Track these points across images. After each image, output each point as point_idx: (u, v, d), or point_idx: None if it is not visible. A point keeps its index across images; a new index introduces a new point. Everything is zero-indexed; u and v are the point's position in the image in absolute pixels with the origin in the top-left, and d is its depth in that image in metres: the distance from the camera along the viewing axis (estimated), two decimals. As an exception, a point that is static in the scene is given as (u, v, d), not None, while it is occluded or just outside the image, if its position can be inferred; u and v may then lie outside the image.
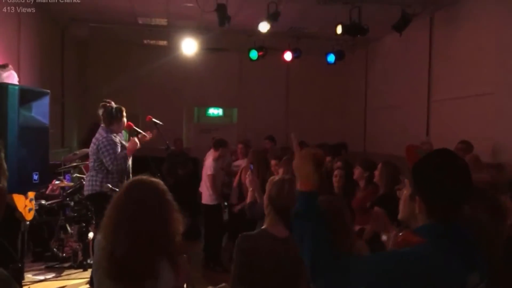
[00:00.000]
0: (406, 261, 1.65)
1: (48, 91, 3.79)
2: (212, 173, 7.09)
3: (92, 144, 5.60)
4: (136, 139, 5.70)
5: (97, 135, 5.60)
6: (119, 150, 5.52)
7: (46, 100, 3.79)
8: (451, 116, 7.98)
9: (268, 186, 2.99)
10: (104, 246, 1.98)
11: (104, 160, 5.41)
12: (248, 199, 4.44)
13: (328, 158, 6.77)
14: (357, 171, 5.03)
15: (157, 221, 2.00)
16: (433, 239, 1.69)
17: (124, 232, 1.94)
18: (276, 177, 3.10)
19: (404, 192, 2.13)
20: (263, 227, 2.89)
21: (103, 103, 6.39)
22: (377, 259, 1.78)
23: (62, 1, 7.80)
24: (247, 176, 4.60)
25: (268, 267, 2.72)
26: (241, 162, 7.56)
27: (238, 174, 7.20)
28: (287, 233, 2.80)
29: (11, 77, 4.21)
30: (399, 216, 2.05)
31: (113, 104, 6.28)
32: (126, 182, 2.16)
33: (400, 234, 1.98)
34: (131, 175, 5.93)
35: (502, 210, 2.37)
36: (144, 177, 2.15)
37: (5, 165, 1.67)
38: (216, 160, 7.18)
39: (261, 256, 2.74)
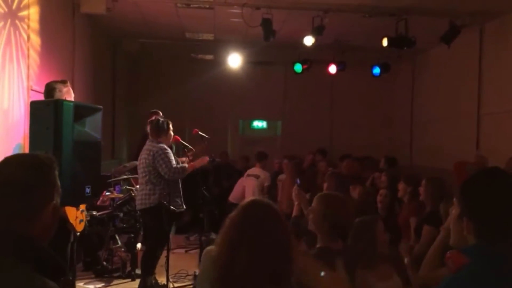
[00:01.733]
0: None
1: (101, 107, 3.95)
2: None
3: (144, 155, 5.73)
4: (207, 158, 5.89)
5: (148, 147, 5.75)
6: (173, 159, 5.68)
7: (99, 116, 3.94)
8: (502, 129, 7.74)
9: (322, 202, 2.98)
10: (222, 264, 1.98)
11: (160, 169, 5.55)
12: (294, 213, 4.47)
13: (377, 174, 6.70)
14: (401, 187, 4.96)
15: (277, 237, 2.00)
16: (480, 259, 1.67)
17: (245, 250, 1.94)
18: (328, 193, 3.12)
19: (453, 212, 2.11)
20: (318, 245, 2.89)
21: (151, 113, 6.61)
22: None
23: (115, 18, 8.15)
24: (293, 190, 4.64)
25: None
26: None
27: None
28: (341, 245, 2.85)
29: (70, 93, 4.41)
30: (451, 242, 2.02)
31: (161, 115, 6.49)
32: (244, 203, 2.15)
33: (448, 253, 1.96)
34: (180, 186, 6.10)
35: None
36: (258, 199, 2.21)
37: (58, 182, 1.77)
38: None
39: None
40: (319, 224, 2.89)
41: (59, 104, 3.55)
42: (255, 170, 7.59)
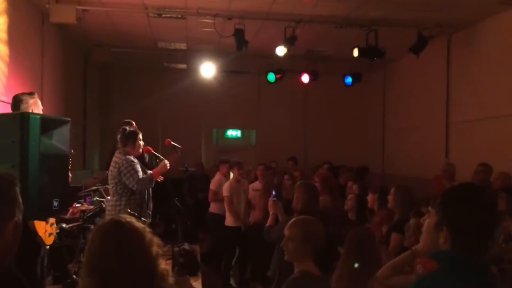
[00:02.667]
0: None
1: (69, 119, 3.89)
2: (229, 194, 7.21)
3: (111, 168, 5.67)
4: (166, 162, 5.79)
5: (115, 158, 5.68)
6: (140, 170, 5.60)
7: (67, 128, 3.88)
8: (470, 138, 7.92)
9: (300, 227, 2.98)
10: None
11: (127, 182, 5.46)
12: (269, 223, 4.53)
13: (350, 183, 6.79)
14: (370, 198, 5.03)
15: (140, 266, 1.80)
16: (451, 264, 1.73)
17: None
18: (303, 218, 3.13)
19: (427, 221, 2.15)
20: (301, 268, 2.90)
21: (124, 123, 6.54)
22: None
23: (85, 27, 8.07)
24: (269, 200, 4.71)
25: None
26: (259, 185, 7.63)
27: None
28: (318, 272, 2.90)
29: (37, 105, 4.32)
30: (420, 247, 2.07)
31: (134, 125, 6.43)
32: (99, 225, 1.92)
33: (418, 259, 2.01)
34: (151, 197, 6.04)
35: None
36: (122, 218, 1.90)
37: (20, 199, 1.75)
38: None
39: None
40: (300, 250, 2.90)
41: (25, 117, 3.48)
42: (255, 185, 7.65)
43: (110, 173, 5.69)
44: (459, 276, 1.71)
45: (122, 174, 5.48)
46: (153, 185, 5.71)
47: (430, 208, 2.12)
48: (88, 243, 1.84)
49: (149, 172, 5.73)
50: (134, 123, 6.64)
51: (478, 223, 1.76)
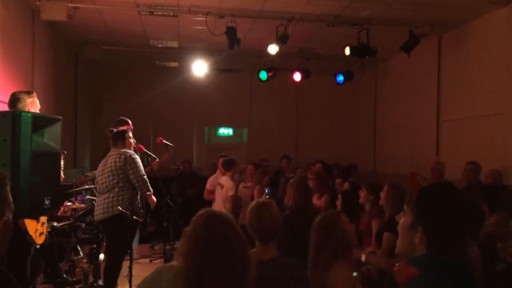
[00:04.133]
0: None
1: (60, 117, 3.88)
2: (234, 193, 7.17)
3: (111, 163, 5.62)
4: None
5: (114, 153, 5.66)
6: (142, 168, 5.66)
7: (58, 126, 3.87)
8: (460, 136, 7.98)
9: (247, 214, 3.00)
10: (190, 277, 1.97)
11: (132, 176, 5.49)
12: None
13: (338, 180, 6.83)
14: (363, 194, 5.05)
15: (239, 250, 2.03)
16: (429, 270, 1.72)
17: (211, 262, 1.96)
18: (253, 203, 3.12)
19: (402, 220, 2.15)
20: (271, 256, 2.88)
21: (118, 121, 6.51)
22: None
23: (76, 25, 8.03)
24: (262, 197, 4.72)
25: None
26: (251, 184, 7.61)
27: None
28: (273, 254, 2.86)
29: (34, 104, 4.30)
30: (397, 250, 2.07)
31: (128, 124, 6.42)
32: (198, 215, 2.13)
33: (397, 265, 2.00)
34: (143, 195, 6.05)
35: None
36: (214, 210, 2.20)
37: (10, 198, 1.74)
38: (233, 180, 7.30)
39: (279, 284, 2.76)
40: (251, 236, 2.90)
41: (17, 115, 3.47)
42: (222, 179, 7.59)
43: (109, 166, 5.63)
44: (439, 282, 1.71)
45: (129, 167, 5.50)
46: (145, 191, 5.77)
47: (405, 207, 2.13)
48: (191, 237, 2.03)
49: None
50: (129, 120, 6.62)
51: (454, 223, 1.75)
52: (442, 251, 1.75)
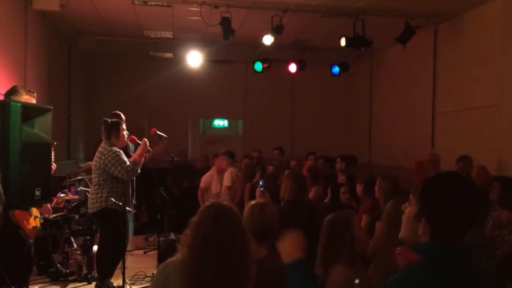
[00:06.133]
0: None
1: (51, 107, 3.81)
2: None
3: (96, 158, 5.63)
4: (146, 140, 5.76)
5: (100, 149, 5.64)
6: (126, 159, 5.57)
7: (49, 116, 3.80)
8: (456, 128, 7.97)
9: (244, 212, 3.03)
10: (191, 276, 2.01)
11: (116, 172, 5.44)
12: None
13: (341, 164, 6.81)
14: (359, 188, 5.05)
15: (242, 249, 2.07)
16: (433, 259, 1.71)
17: (213, 256, 2.00)
18: (252, 203, 3.16)
19: (408, 210, 2.13)
20: None
21: (112, 115, 6.46)
22: None
23: (69, 15, 7.94)
24: (256, 190, 4.69)
25: None
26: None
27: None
28: (264, 253, 2.91)
29: (29, 102, 4.25)
30: (400, 235, 2.06)
31: (122, 117, 6.38)
32: (206, 207, 2.16)
33: (398, 249, 1.99)
34: (135, 187, 6.00)
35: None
36: (223, 203, 2.21)
37: (1, 189, 1.70)
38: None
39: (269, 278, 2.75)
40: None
41: (6, 105, 3.40)
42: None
43: (94, 163, 5.65)
44: (439, 270, 1.69)
45: (109, 165, 5.45)
46: (140, 168, 5.66)
47: (411, 196, 2.10)
48: (197, 228, 2.08)
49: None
50: (122, 115, 6.57)
51: (458, 215, 1.73)
52: (445, 242, 1.74)
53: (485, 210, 5.00)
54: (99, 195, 5.53)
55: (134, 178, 5.80)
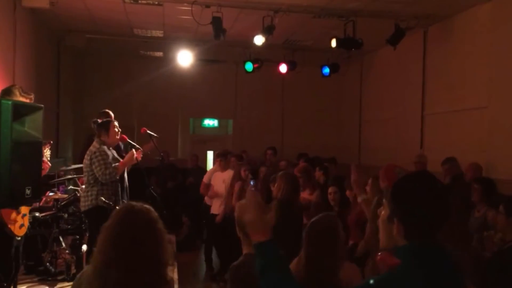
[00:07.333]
0: None
1: (42, 105, 3.79)
2: None
3: (86, 157, 5.61)
4: (134, 152, 5.71)
5: (91, 147, 5.63)
6: (110, 162, 5.53)
7: (39, 114, 3.78)
8: (445, 129, 8.03)
9: (237, 211, 2.93)
10: (97, 273, 1.92)
11: (95, 170, 5.44)
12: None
13: (319, 173, 6.84)
14: (348, 191, 5.08)
15: (151, 253, 1.96)
16: (411, 260, 1.72)
17: (117, 266, 1.89)
18: (243, 201, 3.09)
19: (382, 213, 2.15)
20: (245, 252, 2.85)
21: (101, 113, 6.42)
22: None
23: (59, 12, 7.87)
24: (247, 190, 4.67)
25: None
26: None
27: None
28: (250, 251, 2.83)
29: None
30: (381, 245, 2.07)
31: (110, 116, 6.33)
32: (117, 210, 2.06)
33: (379, 254, 2.00)
34: (127, 186, 5.97)
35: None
36: (136, 205, 2.07)
37: None
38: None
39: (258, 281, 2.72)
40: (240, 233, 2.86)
41: (-4, 102, 3.38)
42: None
43: (84, 161, 5.63)
44: (421, 272, 1.70)
45: (93, 164, 5.44)
46: (118, 176, 5.63)
47: (384, 201, 2.12)
48: (105, 233, 1.98)
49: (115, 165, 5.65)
50: (111, 113, 6.52)
51: (428, 213, 1.74)
52: (420, 240, 1.75)
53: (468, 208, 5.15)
54: (89, 193, 5.51)
55: (126, 177, 5.80)
